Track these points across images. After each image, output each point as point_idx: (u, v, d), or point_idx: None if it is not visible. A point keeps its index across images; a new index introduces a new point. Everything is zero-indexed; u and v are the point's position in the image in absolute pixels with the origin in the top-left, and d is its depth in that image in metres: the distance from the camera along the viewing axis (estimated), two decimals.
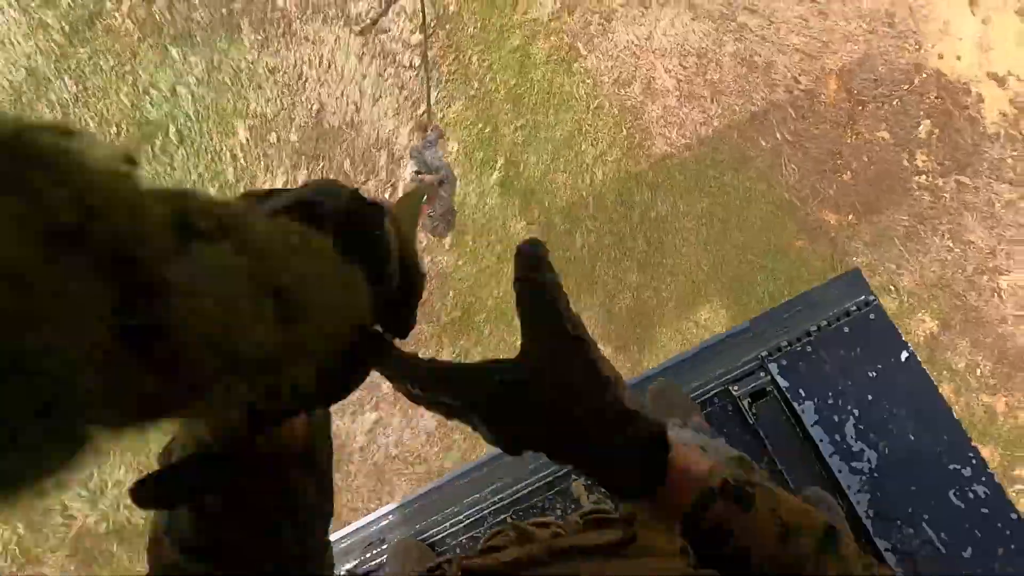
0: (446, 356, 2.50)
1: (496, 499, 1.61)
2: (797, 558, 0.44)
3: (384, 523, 1.67)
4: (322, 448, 0.50)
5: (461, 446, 2.50)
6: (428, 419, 2.50)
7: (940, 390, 2.78)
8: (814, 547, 0.45)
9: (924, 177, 2.70)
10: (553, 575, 0.42)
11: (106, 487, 2.59)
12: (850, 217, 2.66)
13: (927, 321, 2.69)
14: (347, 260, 0.36)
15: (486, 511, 1.60)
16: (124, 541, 2.58)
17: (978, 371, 2.68)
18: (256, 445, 0.44)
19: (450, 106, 2.63)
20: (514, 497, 1.61)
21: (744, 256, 2.63)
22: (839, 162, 2.66)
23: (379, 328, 0.44)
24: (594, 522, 0.64)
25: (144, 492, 0.42)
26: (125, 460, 2.61)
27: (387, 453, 2.51)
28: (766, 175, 2.63)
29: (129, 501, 0.47)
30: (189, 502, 0.44)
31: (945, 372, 2.69)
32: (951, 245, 2.70)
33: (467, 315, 2.53)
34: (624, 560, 0.44)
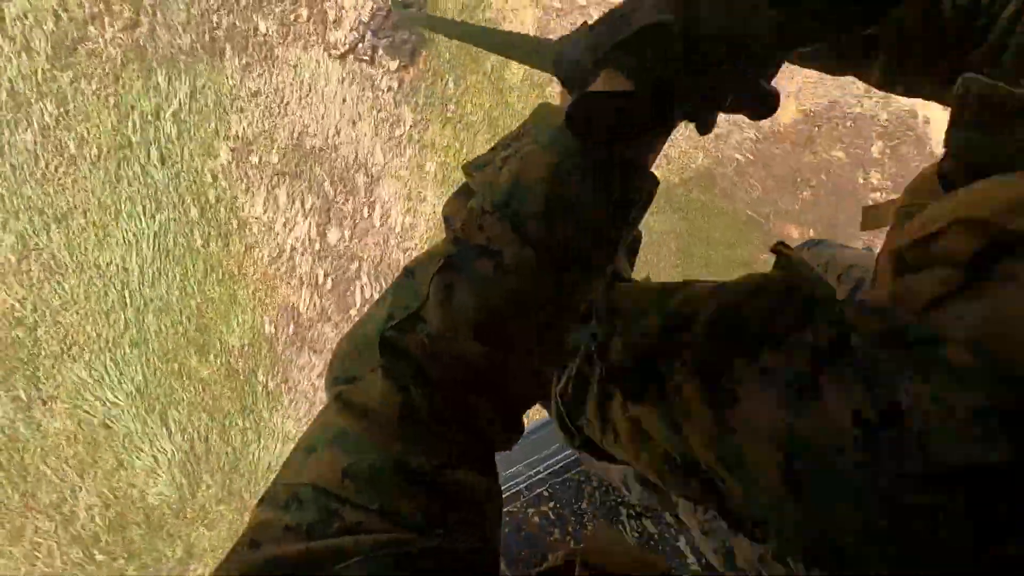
0: None
1: (531, 472, 1.63)
2: None
3: None
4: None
5: None
6: None
7: None
8: None
9: (879, 194, 2.86)
10: None
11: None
12: (811, 232, 2.79)
13: None
14: None
15: (522, 485, 1.62)
16: None
17: None
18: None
19: (427, 128, 2.72)
20: (551, 470, 1.63)
21: (712, 270, 2.74)
22: (799, 180, 2.80)
23: None
24: None
25: (584, 115, 0.42)
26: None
27: None
28: (730, 192, 2.76)
29: None
30: (608, 141, 0.43)
31: None
32: None
33: None
34: None
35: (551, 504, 1.65)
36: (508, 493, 1.63)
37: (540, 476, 1.65)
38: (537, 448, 1.68)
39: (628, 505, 1.63)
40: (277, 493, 0.39)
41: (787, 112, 2.82)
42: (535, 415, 2.59)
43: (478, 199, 0.45)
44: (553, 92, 2.69)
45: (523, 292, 0.44)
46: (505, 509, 1.60)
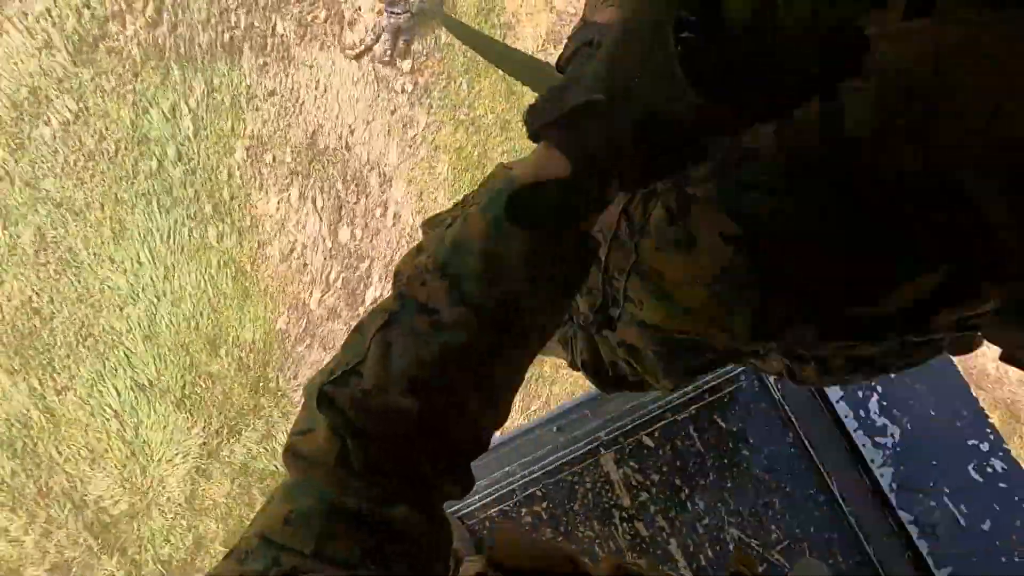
0: None
1: (526, 471, 1.64)
2: None
3: None
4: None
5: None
6: None
7: None
8: None
9: None
10: None
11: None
12: None
13: None
14: None
15: (515, 484, 1.64)
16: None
17: None
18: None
19: (440, 130, 2.74)
20: (545, 470, 1.65)
21: None
22: None
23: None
24: None
25: (525, 201, 0.43)
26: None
27: None
28: None
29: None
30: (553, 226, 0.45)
31: None
32: None
33: None
34: None
35: (544, 504, 1.65)
36: (502, 492, 1.64)
37: (534, 476, 1.66)
38: (532, 447, 1.68)
39: (621, 508, 1.64)
40: (239, 546, 0.42)
41: None
42: (537, 413, 2.61)
43: (423, 256, 0.47)
44: None
45: (459, 349, 0.45)
46: (498, 508, 1.61)
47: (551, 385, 2.58)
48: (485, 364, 0.46)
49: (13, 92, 2.64)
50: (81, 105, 2.66)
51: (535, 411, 2.55)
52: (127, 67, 2.65)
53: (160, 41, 2.66)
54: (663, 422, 1.70)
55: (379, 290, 2.65)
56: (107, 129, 2.66)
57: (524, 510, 1.63)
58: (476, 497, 1.65)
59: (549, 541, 1.58)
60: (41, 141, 2.65)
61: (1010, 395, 2.79)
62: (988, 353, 2.56)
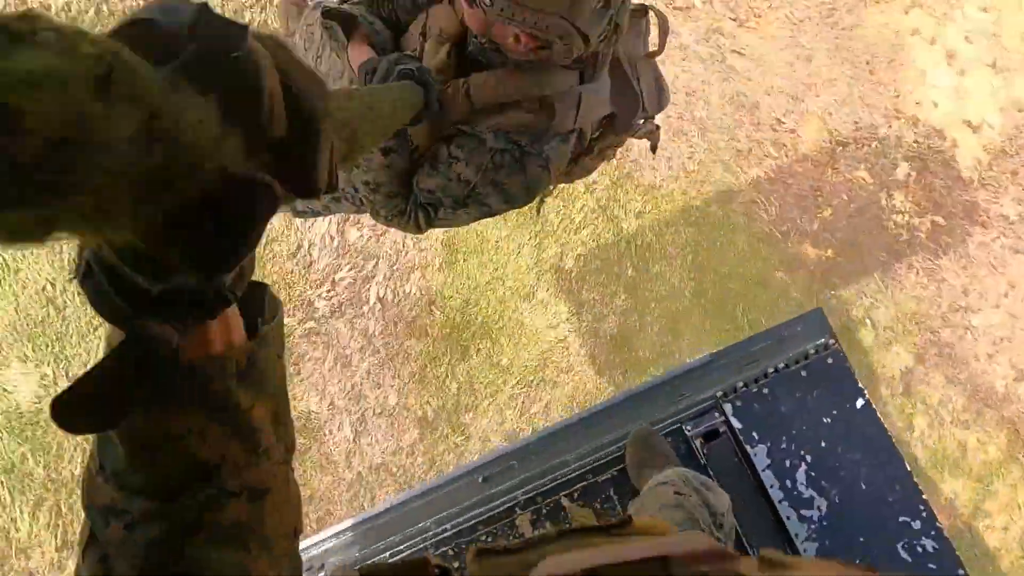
0: (433, 374, 2.59)
1: (439, 529, 1.60)
2: None
3: (326, 546, 1.63)
4: (269, 366, 0.44)
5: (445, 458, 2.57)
6: (412, 431, 2.57)
7: (914, 422, 2.82)
8: None
9: (901, 217, 2.82)
10: (563, 548, 0.46)
11: None
12: (829, 252, 2.77)
13: (902, 355, 2.78)
14: (193, 92, 0.30)
15: (429, 541, 1.58)
16: None
17: (951, 405, 2.76)
18: (180, 353, 0.40)
19: None
20: (457, 529, 1.59)
21: (726, 285, 2.73)
22: (819, 199, 2.78)
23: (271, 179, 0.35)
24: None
25: (66, 408, 0.38)
26: None
27: (372, 464, 2.58)
28: (748, 208, 2.75)
29: None
30: (114, 420, 0.39)
31: (920, 405, 2.77)
32: (926, 282, 2.81)
33: (455, 332, 2.63)
34: (627, 537, 0.49)
35: (455, 564, 1.60)
36: (413, 550, 1.58)
37: (447, 534, 1.59)
38: (445, 504, 1.62)
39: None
40: None
41: (811, 130, 2.79)
42: (536, 417, 2.62)
43: (90, 455, 0.43)
44: None
45: (164, 539, 0.40)
46: None
47: (552, 389, 2.59)
48: (208, 529, 0.41)
49: None
50: None
51: (534, 414, 2.56)
52: None
53: None
54: (584, 483, 1.64)
55: (384, 289, 2.67)
56: None
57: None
58: (387, 554, 1.58)
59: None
60: None
61: (1018, 413, 2.75)
62: (997, 370, 2.56)
